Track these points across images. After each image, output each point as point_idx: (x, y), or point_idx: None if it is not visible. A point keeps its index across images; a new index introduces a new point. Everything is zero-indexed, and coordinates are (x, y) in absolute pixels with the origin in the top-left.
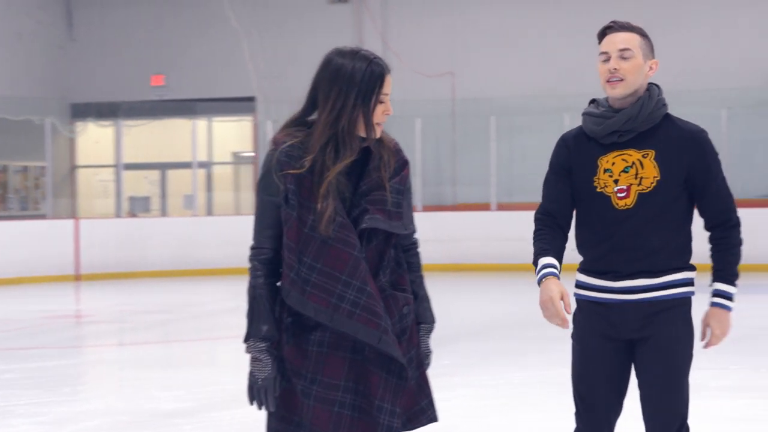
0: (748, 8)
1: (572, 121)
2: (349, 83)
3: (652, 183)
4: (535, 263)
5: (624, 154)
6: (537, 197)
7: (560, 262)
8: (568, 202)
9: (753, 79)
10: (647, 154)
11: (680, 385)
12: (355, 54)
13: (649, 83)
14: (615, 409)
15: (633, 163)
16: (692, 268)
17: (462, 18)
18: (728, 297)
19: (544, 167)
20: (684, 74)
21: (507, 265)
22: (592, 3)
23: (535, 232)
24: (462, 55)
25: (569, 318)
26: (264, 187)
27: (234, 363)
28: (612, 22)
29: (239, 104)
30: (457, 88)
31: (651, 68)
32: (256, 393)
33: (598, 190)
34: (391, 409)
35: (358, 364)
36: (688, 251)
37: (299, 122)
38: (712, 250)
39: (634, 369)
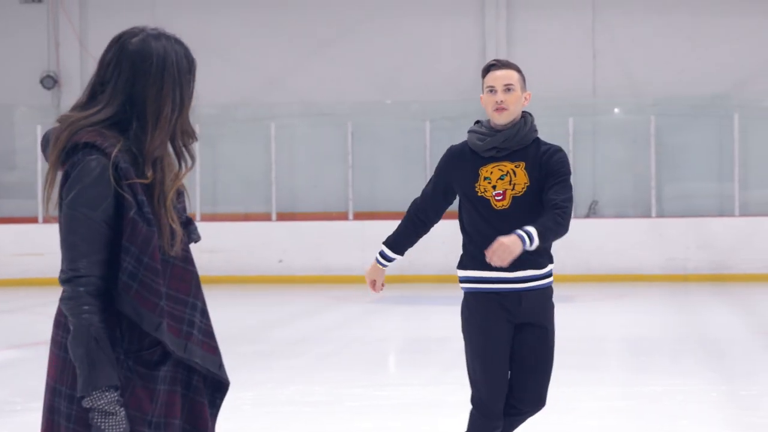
0: (445, 24)
1: (278, 130)
2: (179, 74)
3: (523, 188)
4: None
5: (500, 165)
6: (242, 207)
7: (403, 249)
8: (438, 204)
9: (450, 93)
10: (519, 165)
11: (552, 361)
12: (168, 37)
13: (524, 111)
14: (506, 378)
15: (507, 172)
16: (552, 260)
17: (161, 23)
18: (528, 234)
19: (249, 177)
20: (386, 87)
21: (207, 277)
22: (294, 11)
23: (404, 217)
24: None
25: (378, 293)
26: (89, 201)
27: None
28: (495, 60)
29: None
30: None
31: (526, 99)
32: None
33: (479, 194)
34: None
35: (187, 398)
36: (550, 246)
37: (105, 123)
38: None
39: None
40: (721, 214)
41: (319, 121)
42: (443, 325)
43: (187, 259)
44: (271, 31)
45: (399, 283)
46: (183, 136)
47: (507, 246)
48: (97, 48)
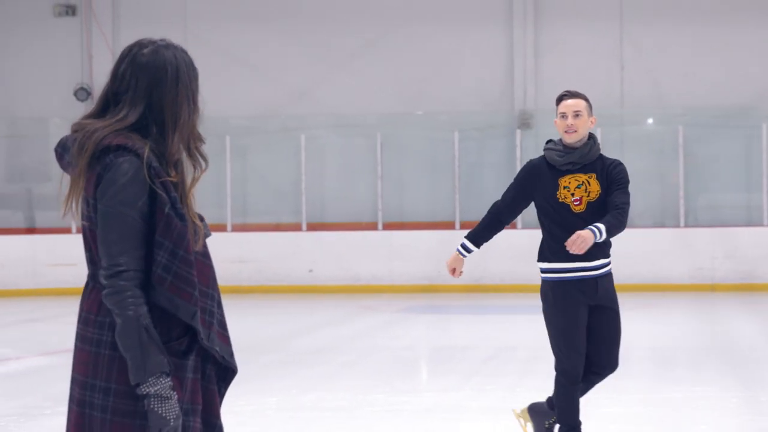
0: (472, 35)
1: (308, 141)
2: (190, 81)
3: (596, 195)
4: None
5: (576, 176)
6: (272, 218)
7: (480, 243)
8: (516, 206)
9: (479, 104)
10: (591, 176)
11: (620, 333)
12: (176, 47)
13: (590, 133)
14: (584, 349)
15: (583, 182)
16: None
17: (193, 35)
18: (599, 229)
19: (279, 187)
20: (414, 98)
21: (237, 287)
22: (322, 23)
23: (485, 216)
24: None
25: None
26: (126, 199)
27: None
28: (566, 91)
29: None
30: None
31: (592, 122)
32: None
33: (560, 200)
34: (221, 424)
35: (202, 386)
36: (611, 242)
37: (128, 129)
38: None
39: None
40: (748, 224)
41: (349, 132)
42: (468, 335)
43: (206, 254)
44: (300, 43)
45: (426, 293)
46: (195, 139)
47: (584, 238)
48: None
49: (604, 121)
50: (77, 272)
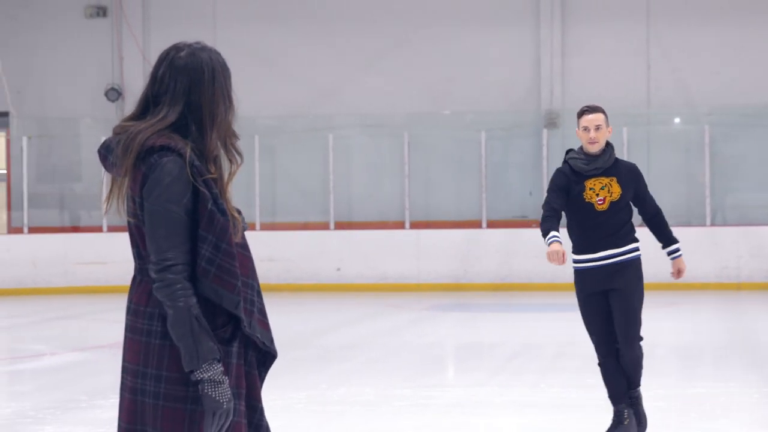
0: (499, 35)
1: (336, 141)
2: (225, 81)
3: (618, 195)
4: (546, 234)
5: (599, 180)
6: (300, 217)
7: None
8: (561, 205)
9: (505, 103)
10: (612, 179)
11: (638, 315)
12: (210, 49)
13: (607, 141)
14: (613, 332)
15: (606, 184)
16: (637, 240)
17: (221, 36)
18: (678, 250)
19: (307, 187)
20: (441, 97)
21: (266, 286)
22: (349, 23)
23: (545, 218)
24: None
25: (564, 267)
26: (171, 197)
27: None
28: (586, 106)
29: None
30: None
31: (609, 132)
32: (217, 419)
33: (586, 200)
34: (262, 407)
35: (245, 371)
36: (634, 231)
37: (169, 129)
38: (655, 230)
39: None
40: None
41: (376, 131)
42: (494, 332)
43: (245, 246)
44: (327, 44)
45: (453, 291)
46: (230, 136)
47: (684, 267)
48: None
49: (631, 121)
50: (107, 270)
